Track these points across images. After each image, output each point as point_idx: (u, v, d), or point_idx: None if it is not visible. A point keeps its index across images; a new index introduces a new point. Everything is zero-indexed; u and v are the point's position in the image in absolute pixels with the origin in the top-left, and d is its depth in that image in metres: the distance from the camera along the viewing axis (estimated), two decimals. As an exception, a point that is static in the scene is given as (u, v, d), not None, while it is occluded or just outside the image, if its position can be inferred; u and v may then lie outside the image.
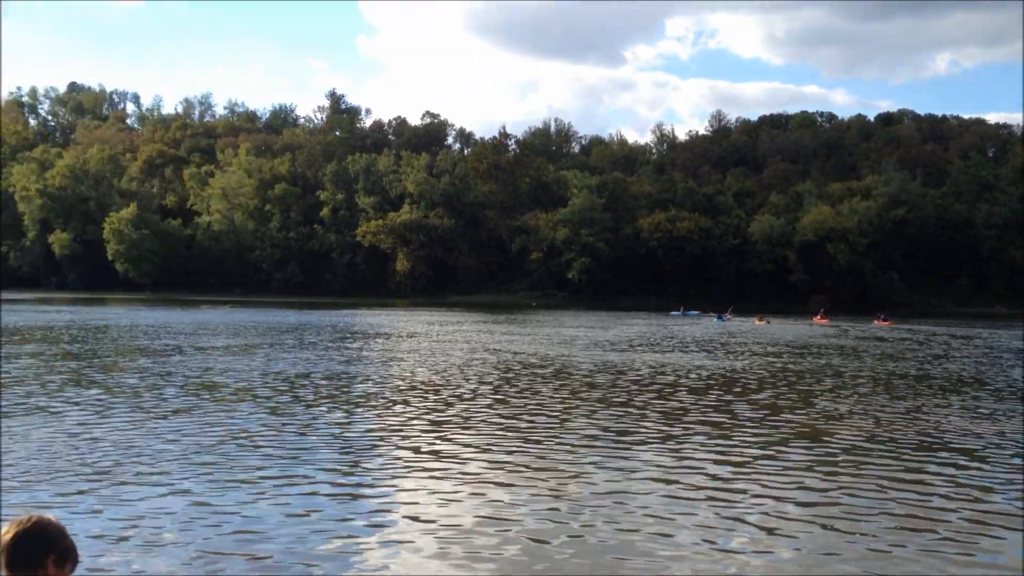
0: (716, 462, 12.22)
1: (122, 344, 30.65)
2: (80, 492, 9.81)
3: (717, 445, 13.45)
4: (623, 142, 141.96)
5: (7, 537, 3.50)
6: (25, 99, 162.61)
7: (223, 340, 32.62)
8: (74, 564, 3.63)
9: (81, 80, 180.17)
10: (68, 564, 3.60)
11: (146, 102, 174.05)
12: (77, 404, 16.16)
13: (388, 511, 9.59)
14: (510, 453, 12.55)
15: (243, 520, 8.95)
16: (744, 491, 10.60)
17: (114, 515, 8.97)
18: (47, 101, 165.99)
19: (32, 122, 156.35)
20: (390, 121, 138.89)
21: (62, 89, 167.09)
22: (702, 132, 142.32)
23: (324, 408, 16.48)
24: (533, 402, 17.77)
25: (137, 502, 9.49)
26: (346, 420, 15.18)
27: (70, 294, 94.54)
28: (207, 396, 17.70)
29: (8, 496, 9.57)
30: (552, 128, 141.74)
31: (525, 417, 15.82)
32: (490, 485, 10.67)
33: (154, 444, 12.51)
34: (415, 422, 15.17)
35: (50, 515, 3.68)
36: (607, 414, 16.29)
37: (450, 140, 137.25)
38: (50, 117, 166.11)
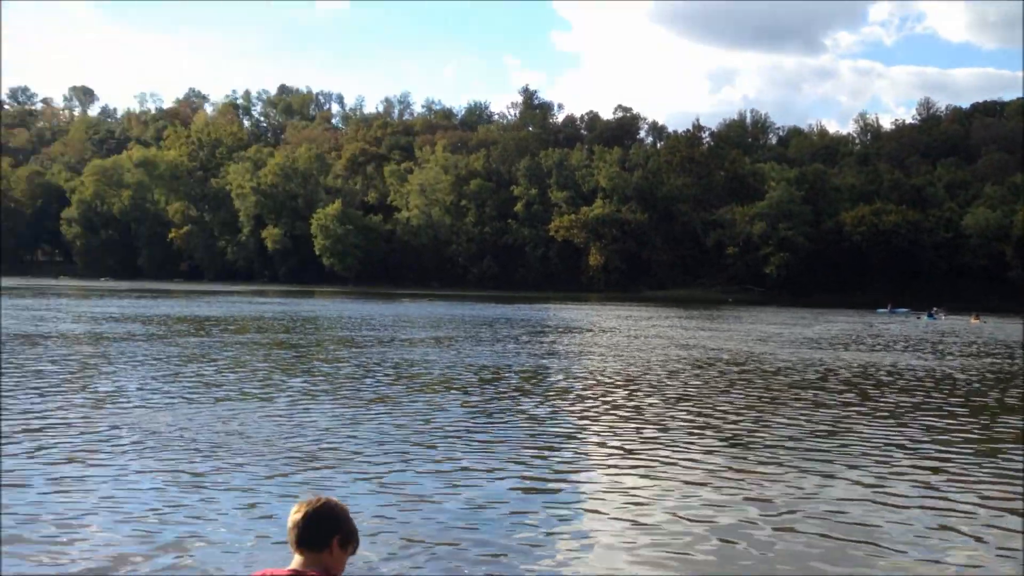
0: (927, 468, 11.52)
1: (328, 335, 31.99)
2: (280, 475, 10.23)
3: (928, 450, 12.69)
4: (823, 132, 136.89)
5: (298, 516, 3.66)
6: (240, 102, 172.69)
7: (422, 332, 33.53)
8: (355, 547, 3.77)
9: (290, 82, 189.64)
10: (351, 546, 3.74)
11: (349, 102, 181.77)
12: (285, 391, 16.94)
13: (577, 505, 9.54)
14: (705, 452, 12.25)
15: (435, 508, 9.08)
16: (957, 499, 9.94)
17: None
18: (259, 103, 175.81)
19: (246, 123, 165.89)
20: (582, 116, 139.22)
21: (273, 91, 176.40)
22: (909, 121, 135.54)
23: (517, 400, 16.62)
24: (730, 400, 17.34)
25: (335, 488, 9.79)
26: (539, 413, 15.24)
27: (281, 287, 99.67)
28: (405, 386, 18.18)
29: (214, 477, 10.09)
30: (748, 119, 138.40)
31: (721, 415, 15.44)
32: (681, 484, 10.43)
33: (353, 432, 12.92)
34: (607, 417, 15.08)
35: (336, 498, 3.82)
36: (809, 415, 15.68)
37: (642, 134, 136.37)
38: (262, 118, 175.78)
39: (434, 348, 26.89)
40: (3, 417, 13.42)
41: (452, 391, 17.66)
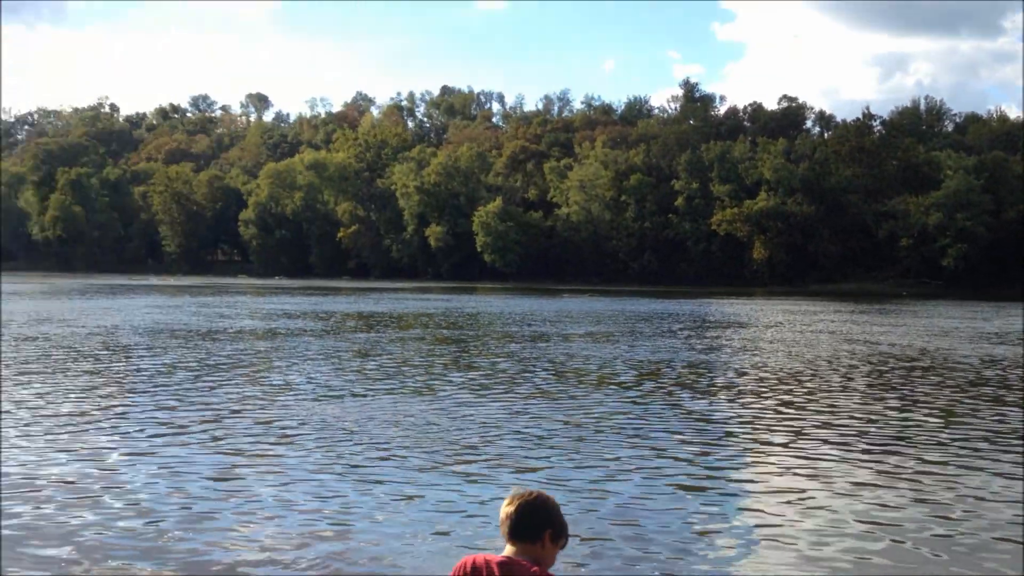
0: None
1: (490, 330, 32.38)
2: (442, 468, 10.36)
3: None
4: (1004, 118, 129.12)
5: (510, 508, 3.70)
6: (404, 104, 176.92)
7: (583, 327, 33.52)
8: (565, 542, 3.79)
9: (452, 83, 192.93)
10: (561, 540, 3.76)
11: (509, 101, 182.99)
12: (448, 385, 17.23)
13: (738, 503, 9.31)
14: (874, 451, 11.74)
15: (593, 504, 9.01)
16: None
17: (474, 493, 9.37)
18: (423, 104, 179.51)
19: (410, 124, 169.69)
20: (745, 107, 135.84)
21: (435, 92, 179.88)
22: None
23: (677, 396, 16.38)
24: (901, 396, 16.59)
25: (493, 482, 9.86)
26: (699, 408, 14.97)
27: (443, 283, 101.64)
28: (565, 381, 18.20)
29: (379, 468, 10.32)
30: (922, 106, 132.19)
31: (892, 413, 14.78)
32: (848, 483, 10.00)
33: (513, 426, 13.00)
34: (770, 414, 14.66)
35: (548, 492, 3.86)
36: (988, 413, 14.82)
37: (808, 124, 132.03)
38: (425, 119, 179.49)
39: (594, 343, 26.82)
40: (181, 407, 14.15)
41: (611, 386, 17.56)
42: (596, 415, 14.04)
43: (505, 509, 3.72)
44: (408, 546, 7.68)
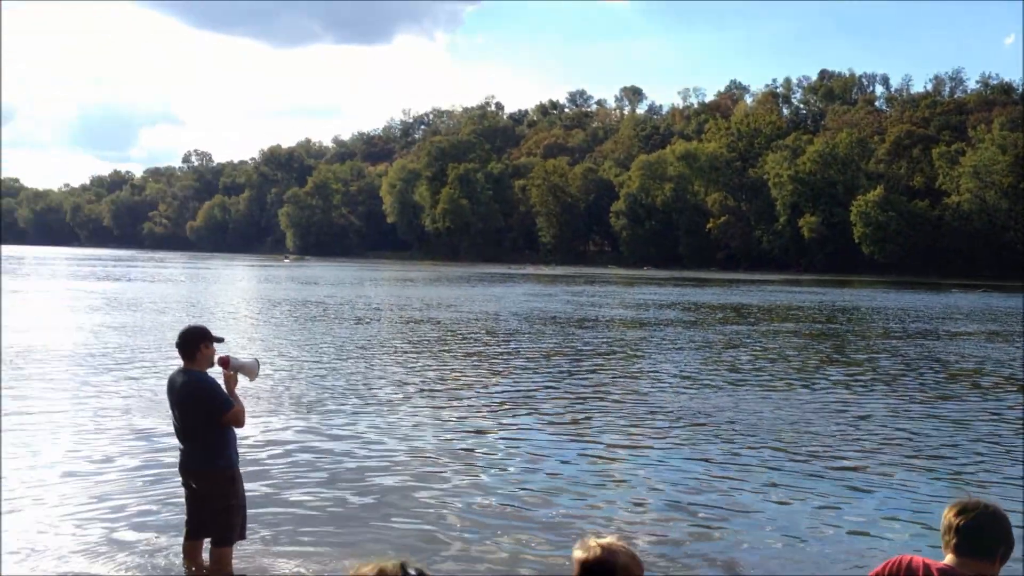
0: None
1: (869, 325, 30.61)
2: (802, 462, 9.69)
3: None
4: None
5: (963, 519, 3.32)
6: (779, 90, 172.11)
7: (976, 326, 30.75)
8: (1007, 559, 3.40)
9: (831, 67, 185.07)
10: (1007, 558, 3.39)
11: (895, 83, 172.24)
12: (824, 379, 16.42)
13: None
14: None
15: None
16: None
17: (843, 496, 8.67)
18: (799, 90, 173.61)
19: (785, 111, 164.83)
20: None
21: (813, 77, 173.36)
22: None
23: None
24: None
25: (855, 486, 9.08)
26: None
27: (815, 276, 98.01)
28: (953, 384, 16.68)
29: (746, 461, 9.85)
30: None
31: None
32: None
33: (891, 427, 12.04)
34: None
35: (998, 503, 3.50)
36: None
37: None
38: (802, 105, 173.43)
39: (988, 343, 24.44)
40: (548, 391, 14.47)
41: (1007, 392, 15.80)
42: (983, 422, 12.63)
43: (954, 518, 3.32)
44: (759, 546, 7.23)
